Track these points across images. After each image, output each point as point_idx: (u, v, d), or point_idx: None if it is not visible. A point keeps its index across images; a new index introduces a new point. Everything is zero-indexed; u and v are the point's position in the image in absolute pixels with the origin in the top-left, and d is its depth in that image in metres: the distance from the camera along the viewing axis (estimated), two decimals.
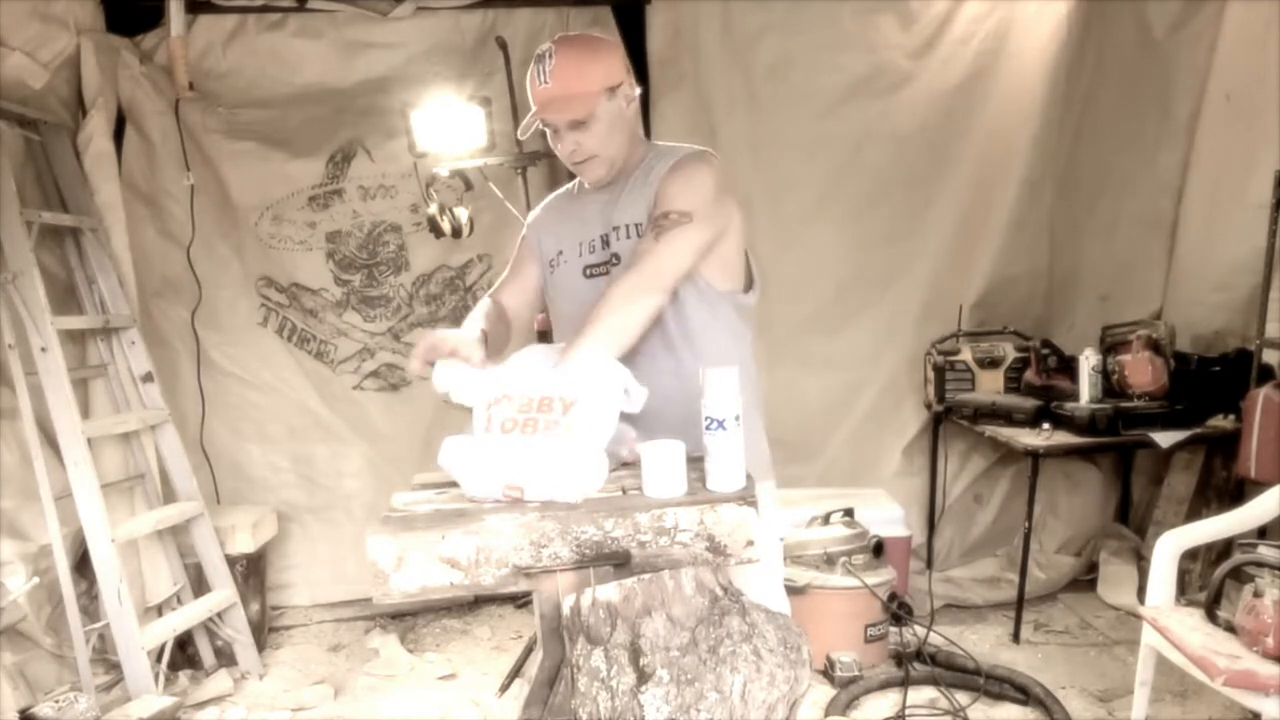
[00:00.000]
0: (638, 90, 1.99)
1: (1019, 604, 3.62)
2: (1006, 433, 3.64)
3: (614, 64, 1.93)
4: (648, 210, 1.91)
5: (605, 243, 1.96)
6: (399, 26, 3.92)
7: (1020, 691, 3.06)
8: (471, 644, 3.82)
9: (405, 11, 3.88)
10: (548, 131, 1.95)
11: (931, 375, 3.96)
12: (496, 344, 1.92)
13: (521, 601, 4.05)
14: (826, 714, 3.00)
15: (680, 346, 1.90)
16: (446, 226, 3.51)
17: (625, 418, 1.68)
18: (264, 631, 3.82)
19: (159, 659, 3.28)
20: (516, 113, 3.53)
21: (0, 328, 3.15)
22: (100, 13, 3.68)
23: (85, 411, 3.39)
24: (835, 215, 4.05)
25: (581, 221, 2.01)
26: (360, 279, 4.07)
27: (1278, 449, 3.13)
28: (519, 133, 2.01)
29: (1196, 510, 3.65)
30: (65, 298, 3.48)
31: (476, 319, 1.91)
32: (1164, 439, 3.47)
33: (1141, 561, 3.69)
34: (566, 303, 2.02)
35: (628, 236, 1.93)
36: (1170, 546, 2.71)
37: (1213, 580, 2.55)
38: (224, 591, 3.55)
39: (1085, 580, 4.04)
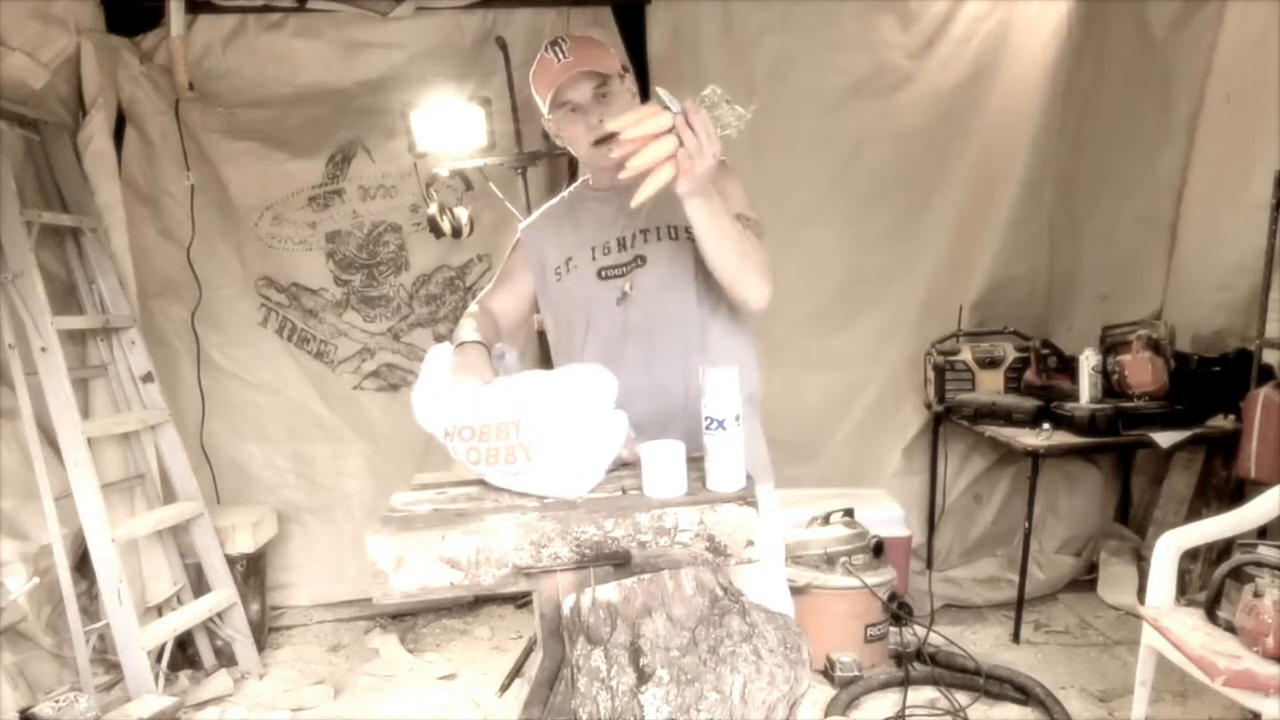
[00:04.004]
0: (636, 89, 2.01)
1: (1019, 604, 3.62)
2: (1006, 433, 3.64)
3: (617, 52, 2.00)
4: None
5: (623, 245, 1.95)
6: (399, 26, 3.92)
7: (1020, 691, 3.06)
8: (471, 644, 3.82)
9: (405, 11, 3.88)
10: (552, 125, 1.95)
11: (931, 375, 3.96)
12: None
13: (521, 601, 4.05)
14: (826, 714, 3.00)
15: (697, 352, 1.87)
16: (446, 226, 3.51)
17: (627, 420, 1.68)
18: (264, 631, 3.82)
19: (159, 659, 3.29)
20: (516, 113, 3.52)
21: (0, 328, 3.15)
22: (100, 13, 3.67)
23: (85, 411, 3.39)
24: (835, 215, 4.04)
25: (595, 224, 1.99)
26: (360, 279, 4.07)
27: (1278, 449, 3.13)
28: (543, 122, 1.98)
29: (1196, 510, 3.65)
30: (65, 298, 3.48)
31: (468, 327, 1.90)
32: (1164, 439, 3.47)
33: (1141, 561, 3.69)
34: (577, 308, 1.99)
35: (659, 239, 1.92)
36: (1170, 546, 2.71)
37: (1213, 580, 2.55)
38: (224, 591, 3.55)
39: (1085, 580, 4.04)
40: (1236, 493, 3.42)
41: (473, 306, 2.04)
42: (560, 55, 1.88)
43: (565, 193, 2.14)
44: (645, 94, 3.84)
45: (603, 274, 1.96)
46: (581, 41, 1.91)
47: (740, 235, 1.77)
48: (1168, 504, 3.83)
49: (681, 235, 1.92)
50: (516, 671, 3.36)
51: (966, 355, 3.93)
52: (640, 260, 1.92)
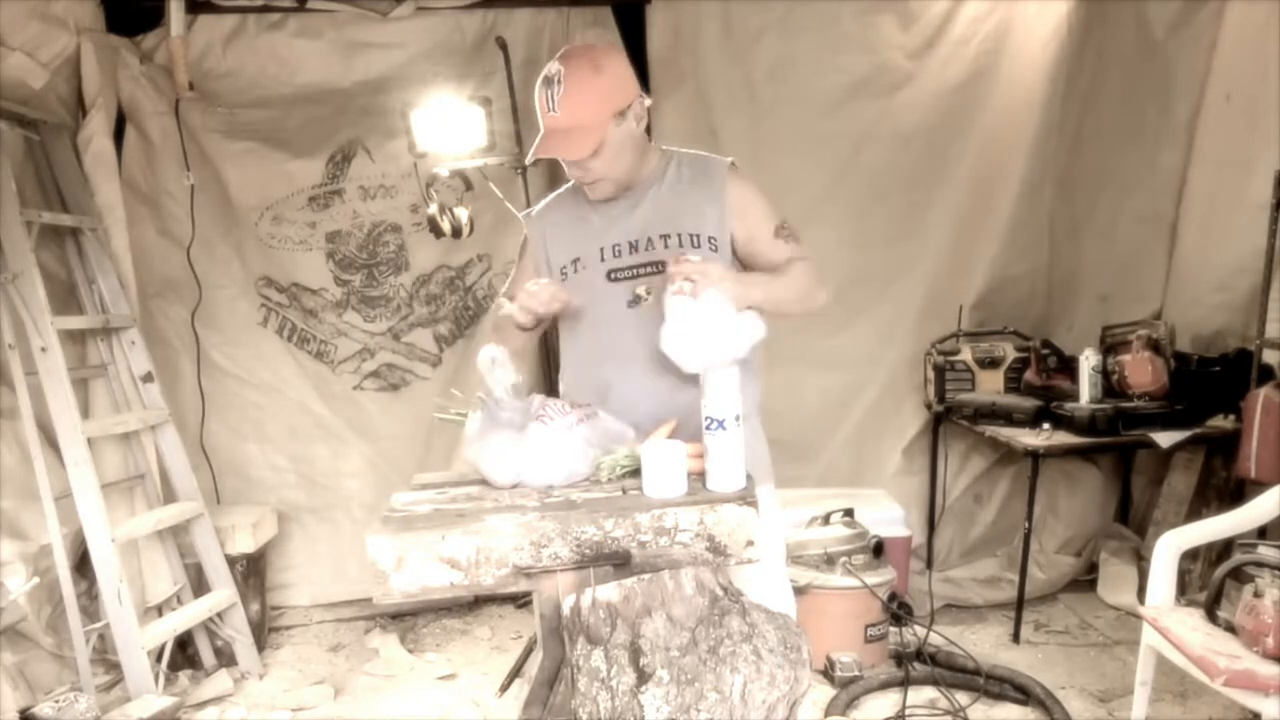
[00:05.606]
0: (648, 102, 1.96)
1: (1019, 604, 3.62)
2: (1006, 433, 3.63)
3: (623, 83, 1.90)
4: (716, 222, 1.93)
5: (635, 247, 1.94)
6: (399, 26, 3.92)
7: (1020, 691, 3.06)
8: (471, 644, 3.82)
9: (405, 11, 3.88)
10: None
11: (931, 375, 3.96)
12: (523, 347, 1.99)
13: (521, 601, 4.05)
14: (826, 714, 3.00)
15: None
16: (446, 226, 3.51)
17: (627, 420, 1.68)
18: (264, 631, 3.82)
19: (159, 659, 3.28)
20: (516, 113, 3.52)
21: (0, 328, 3.15)
22: (100, 13, 3.67)
23: (85, 411, 3.39)
24: (835, 215, 4.04)
25: (604, 223, 1.98)
26: (360, 279, 4.07)
27: (1278, 449, 3.13)
28: (528, 160, 1.97)
29: (1196, 510, 3.65)
30: (65, 298, 3.48)
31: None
32: (1164, 439, 3.47)
33: (1141, 561, 3.69)
34: (584, 308, 1.98)
35: (680, 245, 1.92)
36: (1170, 546, 2.71)
37: (1213, 580, 2.55)
38: (224, 591, 3.55)
39: (1085, 580, 4.04)
40: (1236, 493, 3.42)
41: (500, 300, 2.07)
42: (551, 105, 1.85)
43: (573, 184, 2.11)
44: (647, 91, 3.90)
45: (612, 275, 1.95)
46: (577, 83, 1.83)
47: (789, 284, 1.91)
48: (1168, 504, 3.83)
49: (704, 243, 1.91)
50: (516, 671, 3.36)
51: (966, 355, 3.93)
52: (660, 266, 1.89)
